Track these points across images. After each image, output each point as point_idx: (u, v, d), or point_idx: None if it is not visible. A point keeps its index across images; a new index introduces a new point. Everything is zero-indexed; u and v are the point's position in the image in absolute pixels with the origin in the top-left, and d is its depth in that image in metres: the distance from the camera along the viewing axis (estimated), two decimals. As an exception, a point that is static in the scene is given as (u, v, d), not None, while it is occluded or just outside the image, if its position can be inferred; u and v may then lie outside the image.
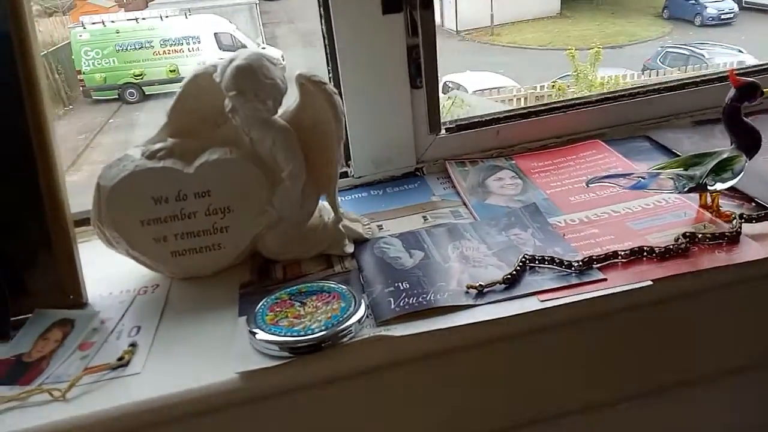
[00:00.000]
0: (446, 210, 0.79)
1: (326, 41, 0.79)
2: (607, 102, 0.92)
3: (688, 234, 0.64)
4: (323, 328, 0.54)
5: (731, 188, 0.73)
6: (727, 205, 0.71)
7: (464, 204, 0.79)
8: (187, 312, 0.64)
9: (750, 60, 6.70)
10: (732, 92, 0.66)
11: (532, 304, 0.58)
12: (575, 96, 0.93)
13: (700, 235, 0.64)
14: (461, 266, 0.65)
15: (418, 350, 0.56)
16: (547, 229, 0.70)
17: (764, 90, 0.66)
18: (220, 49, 5.32)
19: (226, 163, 0.64)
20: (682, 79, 0.94)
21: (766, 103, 0.96)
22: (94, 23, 4.95)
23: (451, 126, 0.89)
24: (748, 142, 0.67)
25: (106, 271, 0.69)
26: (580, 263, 0.61)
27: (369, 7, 0.76)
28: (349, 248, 0.70)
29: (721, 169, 0.65)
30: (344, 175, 0.87)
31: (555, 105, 0.92)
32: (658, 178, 0.65)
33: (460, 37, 10.14)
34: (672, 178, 0.66)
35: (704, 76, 0.95)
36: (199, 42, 5.26)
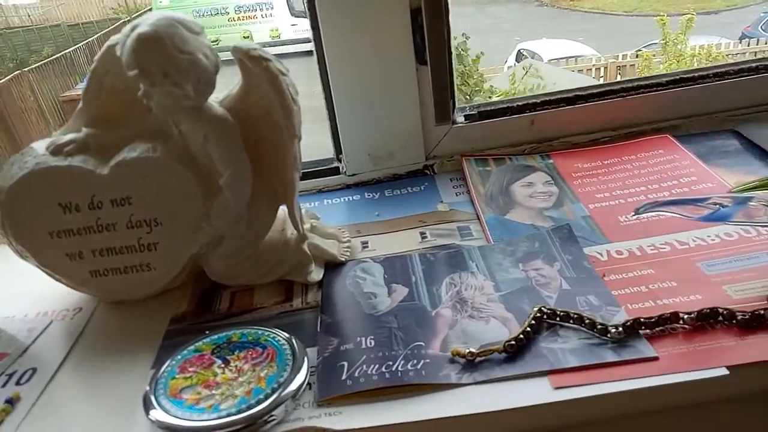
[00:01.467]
0: (453, 225, 0.61)
1: (307, 6, 0.61)
2: (682, 84, 0.70)
3: (789, 291, 0.43)
4: (235, 410, 0.39)
5: None
6: None
7: (477, 218, 0.61)
8: (99, 352, 0.50)
9: None
10: None
11: (540, 391, 0.40)
12: (652, 74, 0.71)
13: (808, 295, 0.43)
14: (453, 316, 0.48)
15: (366, 451, 0.39)
16: (581, 264, 0.51)
17: None
18: (291, 15, 5.34)
19: (146, 163, 0.49)
20: (791, 56, 0.70)
21: None
22: None
23: (471, 113, 0.70)
24: None
25: (25, 287, 0.57)
26: (621, 329, 0.42)
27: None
28: (316, 275, 0.54)
29: None
30: (335, 171, 0.70)
31: (611, 88, 0.71)
32: (747, 205, 0.45)
33: (538, 2, 9.62)
34: (767, 205, 0.46)
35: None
36: (272, 8, 5.31)
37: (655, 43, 5.73)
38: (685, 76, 0.71)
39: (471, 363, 0.42)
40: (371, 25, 0.61)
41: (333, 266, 0.56)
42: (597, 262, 0.52)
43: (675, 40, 5.44)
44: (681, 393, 0.39)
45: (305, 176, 0.70)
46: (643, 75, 5.34)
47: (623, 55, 5.86)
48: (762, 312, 0.42)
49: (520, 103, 0.71)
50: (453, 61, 0.66)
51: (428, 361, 0.43)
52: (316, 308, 0.51)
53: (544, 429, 0.40)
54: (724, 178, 0.60)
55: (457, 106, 0.70)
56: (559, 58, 6.12)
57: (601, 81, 5.53)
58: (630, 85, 0.70)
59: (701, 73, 0.70)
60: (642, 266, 0.50)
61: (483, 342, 0.44)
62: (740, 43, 6.37)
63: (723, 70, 0.70)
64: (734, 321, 0.42)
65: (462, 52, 5.41)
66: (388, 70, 0.64)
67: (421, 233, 0.60)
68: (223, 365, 0.43)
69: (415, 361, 0.43)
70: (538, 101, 0.71)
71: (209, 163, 0.49)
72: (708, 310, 0.43)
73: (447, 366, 0.42)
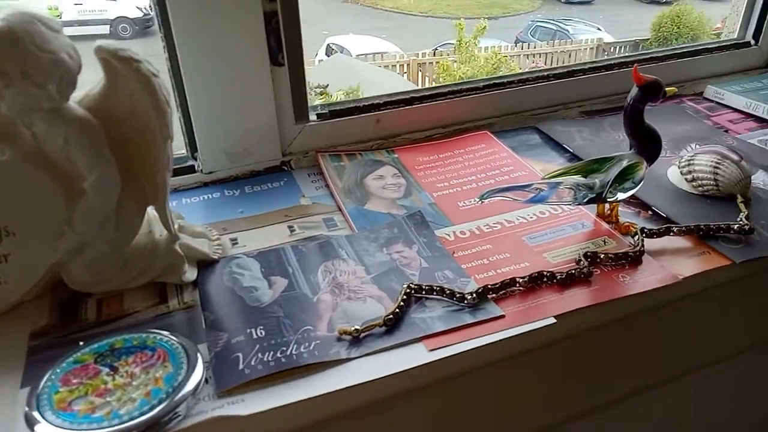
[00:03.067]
0: (318, 218, 0.65)
1: (156, 3, 0.60)
2: (495, 89, 0.83)
3: (590, 254, 0.56)
4: (136, 413, 0.39)
5: (627, 194, 0.67)
6: (624, 214, 0.64)
7: (339, 209, 0.66)
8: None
9: (608, 37, 7.22)
10: (634, 91, 0.58)
11: (419, 355, 0.46)
12: (461, 80, 0.83)
13: (602, 255, 0.56)
14: (333, 299, 0.52)
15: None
16: (434, 244, 0.59)
17: (666, 89, 0.58)
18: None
19: (-5, 169, 0.44)
20: (569, 66, 0.88)
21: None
22: None
23: (323, 112, 0.75)
24: (649, 148, 0.60)
25: None
26: (475, 295, 0.51)
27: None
28: (190, 275, 0.54)
29: (624, 177, 0.58)
30: (190, 170, 0.70)
31: (440, 91, 0.81)
32: (558, 189, 0.56)
33: (343, -1, 9.88)
34: (572, 188, 0.58)
35: (593, 63, 0.89)
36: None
37: (450, 43, 6.33)
38: (497, 81, 0.83)
39: (357, 339, 0.47)
40: (224, 27, 0.62)
41: (206, 265, 0.56)
42: (446, 242, 0.60)
43: (467, 43, 6.08)
44: (523, 341, 0.49)
45: (159, 176, 0.68)
46: (440, 74, 5.87)
47: (423, 54, 6.38)
48: (573, 272, 0.54)
49: (366, 104, 0.77)
50: (304, 62, 0.70)
51: (318, 342, 0.47)
52: (195, 307, 0.51)
53: (423, 386, 0.47)
54: (533, 166, 0.73)
55: (309, 105, 0.74)
56: (366, 54, 6.42)
57: (405, 76, 5.96)
58: (456, 89, 0.81)
59: (509, 80, 0.84)
60: (482, 243, 0.60)
61: (364, 319, 0.49)
62: (516, 45, 7.34)
63: (525, 77, 0.85)
64: (555, 280, 0.53)
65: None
66: (242, 71, 0.65)
67: (289, 227, 0.63)
68: (111, 372, 0.42)
69: (307, 344, 0.46)
70: (381, 102, 0.78)
71: (70, 166, 0.46)
72: (536, 274, 0.53)
73: (336, 344, 0.47)
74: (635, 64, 0.58)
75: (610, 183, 0.57)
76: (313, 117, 0.74)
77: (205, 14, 0.61)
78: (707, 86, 0.94)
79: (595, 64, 0.89)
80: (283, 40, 0.64)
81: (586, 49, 6.81)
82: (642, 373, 0.63)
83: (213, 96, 0.65)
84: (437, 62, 6.18)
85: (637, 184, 0.59)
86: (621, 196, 0.60)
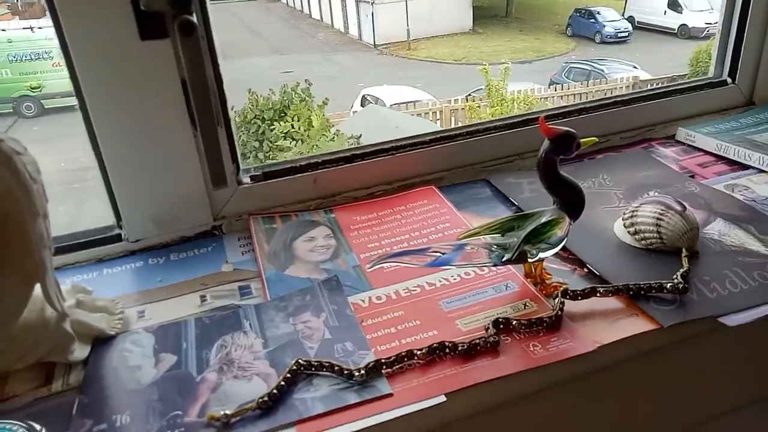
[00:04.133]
0: (234, 285, 0.63)
1: (70, 72, 0.61)
2: (443, 142, 0.80)
3: (501, 320, 0.52)
4: None
5: (564, 248, 0.62)
6: (557, 271, 0.60)
7: (259, 276, 0.64)
8: None
9: (643, 75, 7.14)
10: (546, 144, 0.55)
11: (287, 442, 0.43)
12: (479, 117, 0.81)
13: (514, 322, 0.51)
14: (218, 378, 0.49)
15: None
16: (344, 312, 0.56)
17: (581, 141, 0.55)
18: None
19: None
20: (525, 115, 0.84)
21: (614, 140, 0.89)
22: None
23: (256, 174, 0.74)
24: (569, 202, 0.56)
25: None
26: (363, 372, 0.47)
27: (120, 33, 0.60)
28: (79, 354, 0.52)
29: (538, 237, 0.54)
30: (117, 239, 0.69)
31: (383, 147, 0.79)
32: (465, 250, 0.53)
33: (378, 51, 10.20)
34: (485, 249, 0.54)
35: (549, 111, 0.86)
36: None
37: (481, 89, 6.39)
38: (444, 134, 0.81)
39: (226, 425, 0.44)
40: (142, 95, 0.63)
41: (103, 341, 0.55)
42: (359, 309, 0.57)
43: (497, 86, 6.13)
44: (411, 423, 0.44)
45: (83, 246, 0.68)
46: (471, 118, 5.92)
47: (455, 100, 6.46)
48: (477, 341, 0.49)
49: (303, 163, 0.76)
50: (230, 126, 0.70)
51: (182, 430, 0.44)
52: (77, 389, 0.49)
53: (291, 478, 0.43)
54: (472, 222, 0.70)
55: (241, 167, 0.73)
56: (400, 103, 6.55)
57: (438, 123, 6.03)
58: (399, 144, 0.79)
59: (456, 132, 0.81)
60: (395, 309, 0.57)
61: (244, 401, 0.46)
62: (549, 88, 7.33)
63: (474, 128, 0.82)
64: (457, 351, 0.49)
65: (306, 98, 5.56)
66: (163, 138, 0.66)
67: (201, 296, 0.61)
68: (-48, 467, 0.40)
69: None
70: (320, 161, 0.76)
71: (-58, 247, 0.46)
72: (437, 345, 0.49)
73: (202, 431, 0.44)
74: (540, 116, 0.55)
75: (520, 242, 0.53)
76: (246, 179, 0.73)
77: (120, 81, 0.62)
78: (678, 128, 0.88)
79: (551, 112, 0.86)
80: (192, 106, 0.63)
81: (621, 87, 6.75)
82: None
83: (134, 164, 0.66)
84: (468, 107, 6.24)
85: (555, 244, 0.55)
86: (543, 255, 0.55)
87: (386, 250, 0.66)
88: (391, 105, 6.46)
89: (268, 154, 5.03)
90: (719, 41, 0.94)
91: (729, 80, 0.94)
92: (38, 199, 0.47)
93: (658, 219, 0.61)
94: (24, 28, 4.90)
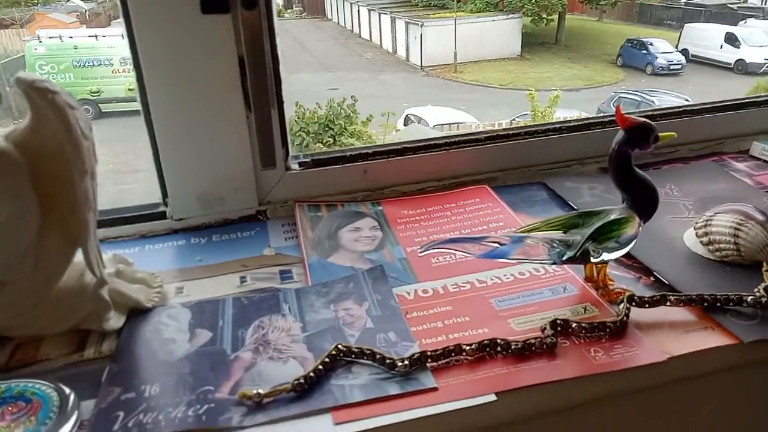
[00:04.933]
0: (275, 269, 0.61)
1: (129, 42, 0.61)
2: (498, 141, 0.77)
3: (559, 322, 0.47)
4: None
5: (629, 256, 0.57)
6: (621, 278, 0.55)
7: (302, 261, 0.61)
8: None
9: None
10: (620, 135, 0.51)
11: (322, 427, 0.40)
12: (462, 133, 0.77)
13: (574, 325, 0.47)
14: (252, 357, 0.47)
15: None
16: (388, 303, 0.53)
17: (660, 134, 0.50)
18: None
19: None
20: (587, 119, 0.80)
21: (683, 151, 0.84)
22: (51, 37, 4.83)
23: (305, 160, 0.72)
24: (641, 200, 0.51)
25: None
26: (407, 362, 0.44)
27: (182, 4, 0.59)
28: (114, 323, 0.51)
29: (605, 234, 0.50)
30: (161, 216, 0.68)
31: (436, 142, 0.76)
32: (524, 244, 0.49)
33: (425, 72, 10.25)
34: (546, 244, 0.50)
35: (611, 115, 0.81)
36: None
37: (526, 114, 6.33)
38: (500, 133, 0.78)
39: (258, 404, 0.41)
40: (197, 68, 0.62)
41: (139, 313, 0.53)
42: (404, 301, 0.54)
43: (543, 113, 6.06)
44: (456, 421, 0.41)
45: (128, 221, 0.67)
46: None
47: (498, 124, 6.41)
48: (532, 341, 0.45)
49: (353, 153, 0.74)
50: (283, 109, 0.68)
51: (212, 405, 0.41)
52: (103, 362, 0.47)
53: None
54: (526, 222, 0.66)
55: (291, 153, 0.71)
56: (443, 124, 6.54)
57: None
58: (452, 140, 0.76)
59: (514, 132, 0.78)
60: (442, 303, 0.53)
61: (278, 382, 0.43)
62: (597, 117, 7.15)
63: (533, 129, 0.78)
64: (510, 350, 0.45)
65: (352, 114, 5.60)
66: (216, 116, 0.64)
67: (241, 277, 0.59)
68: (-23, 421, 0.39)
69: (198, 406, 0.41)
70: (370, 152, 0.74)
71: (-14, 199, 0.45)
72: (488, 341, 0.45)
73: (232, 409, 0.41)
74: (617, 107, 0.51)
75: (585, 239, 0.49)
76: (294, 165, 0.72)
77: (178, 55, 0.61)
78: (753, 143, 0.82)
79: (610, 117, 0.81)
80: (248, 86, 0.62)
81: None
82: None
83: (185, 140, 0.65)
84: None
85: (626, 244, 0.51)
86: (607, 256, 0.51)
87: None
88: (434, 126, 6.45)
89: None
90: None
91: (810, 96, 0.87)
92: (88, 157, 0.46)
93: (735, 229, 0.56)
94: (89, 36, 5.14)
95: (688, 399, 0.49)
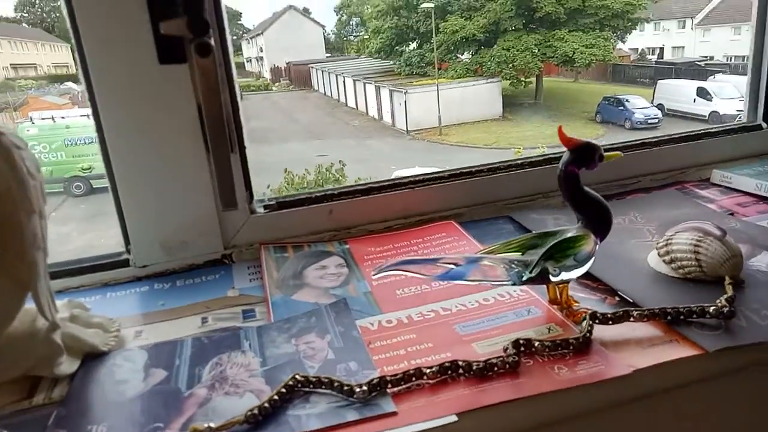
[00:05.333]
0: (237, 309, 0.59)
1: (88, 91, 0.62)
2: (462, 178, 0.78)
3: (522, 341, 0.46)
4: None
5: (593, 278, 0.57)
6: (586, 300, 0.55)
7: (265, 300, 0.60)
8: None
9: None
10: (566, 155, 0.52)
11: (273, 459, 0.38)
12: (426, 172, 0.79)
13: (537, 343, 0.46)
14: (208, 393, 0.45)
15: None
16: (351, 334, 0.52)
17: (605, 154, 0.52)
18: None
19: None
20: (547, 155, 0.82)
21: (645, 182, 0.85)
22: (43, 119, 4.96)
23: (270, 203, 0.72)
24: (594, 218, 0.52)
25: None
26: (366, 388, 0.42)
27: (140, 56, 0.61)
28: (66, 368, 0.49)
29: (562, 252, 0.50)
30: (125, 263, 0.67)
31: (401, 180, 0.77)
32: (480, 265, 0.49)
33: (411, 136, 10.50)
34: (504, 265, 0.50)
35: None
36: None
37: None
38: (464, 170, 0.79)
39: (209, 439, 0.40)
40: (156, 116, 0.63)
41: (94, 357, 0.51)
42: (367, 332, 0.52)
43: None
44: (416, 446, 0.39)
45: (90, 270, 0.66)
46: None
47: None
48: (494, 360, 0.44)
49: (318, 194, 0.74)
50: (245, 153, 0.69)
51: (161, 441, 0.39)
52: (51, 408, 0.45)
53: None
54: (493, 254, 0.66)
55: (255, 197, 0.72)
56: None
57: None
58: (418, 179, 0.77)
59: (477, 168, 0.79)
60: (406, 332, 0.52)
61: (233, 415, 0.42)
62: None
63: (495, 166, 0.80)
64: (471, 372, 0.44)
65: (341, 178, 5.67)
66: (175, 161, 0.65)
67: (203, 318, 0.58)
68: None
69: (145, 443, 0.39)
70: (336, 192, 0.75)
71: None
72: (449, 363, 0.44)
73: (181, 444, 0.39)
74: (560, 126, 0.52)
75: (541, 257, 0.48)
76: (259, 209, 0.72)
77: (137, 104, 0.62)
78: (713, 170, 0.84)
79: (577, 151, 0.83)
80: (205, 128, 0.63)
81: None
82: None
83: (146, 186, 0.65)
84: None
85: (582, 261, 0.50)
86: (566, 275, 0.51)
87: (401, 278, 0.62)
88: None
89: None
90: (750, 85, 0.91)
91: (764, 124, 0.90)
92: (35, 197, 0.45)
93: (696, 246, 0.56)
94: (81, 116, 5.25)
95: (656, 415, 0.47)
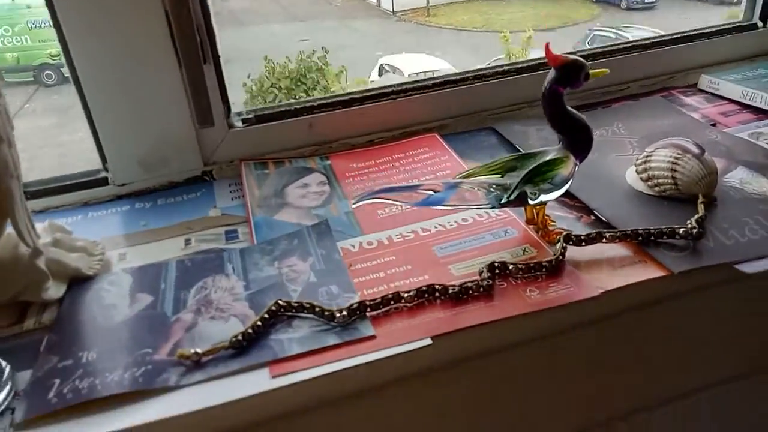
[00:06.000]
0: (220, 230, 0.60)
1: (49, 7, 0.58)
2: (447, 87, 0.76)
3: (497, 264, 0.48)
4: None
5: (571, 195, 0.58)
6: (563, 219, 0.56)
7: (247, 221, 0.61)
8: None
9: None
10: (551, 73, 0.50)
11: (258, 382, 0.40)
12: (410, 81, 0.76)
13: (511, 266, 0.48)
14: (194, 318, 0.47)
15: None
16: (332, 257, 0.53)
17: (591, 72, 0.50)
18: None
19: None
20: (534, 60, 0.79)
21: (633, 88, 0.83)
22: None
23: (248, 117, 0.70)
24: (575, 139, 0.51)
25: None
26: (346, 313, 0.44)
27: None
28: (54, 292, 0.50)
29: (540, 176, 0.50)
30: (104, 182, 0.67)
31: (384, 91, 0.74)
32: (459, 189, 0.49)
33: (397, 17, 10.00)
34: (483, 189, 0.50)
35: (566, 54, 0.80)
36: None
37: (501, 58, 6.25)
38: (449, 79, 0.76)
39: (197, 363, 0.42)
40: (123, 27, 0.59)
41: (80, 282, 0.52)
42: (348, 254, 0.54)
43: (517, 55, 5.99)
44: (393, 366, 0.42)
45: (69, 188, 0.65)
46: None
47: (474, 69, 6.30)
48: (469, 284, 0.46)
49: (297, 107, 0.72)
50: (220, 65, 0.66)
51: (150, 367, 0.42)
52: (42, 332, 0.47)
53: (266, 419, 0.40)
54: (474, 169, 0.66)
55: (233, 110, 0.70)
56: (418, 72, 6.43)
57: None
58: (400, 88, 0.75)
59: (462, 77, 0.76)
60: (386, 254, 0.53)
61: (219, 340, 0.44)
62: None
63: (481, 74, 0.77)
64: (447, 295, 0.46)
65: (324, 66, 5.47)
66: (147, 75, 0.62)
67: (186, 240, 0.59)
68: None
69: (135, 369, 0.41)
70: (315, 104, 0.73)
71: None
72: (426, 288, 0.46)
73: (170, 369, 0.41)
74: (546, 44, 0.50)
75: (519, 182, 0.49)
76: (238, 123, 0.70)
77: (100, 11, 0.58)
78: (701, 75, 0.82)
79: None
80: (175, 39, 0.60)
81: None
82: (550, 415, 0.53)
83: (118, 102, 0.62)
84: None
85: (560, 184, 0.51)
86: (545, 197, 0.51)
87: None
88: (409, 75, 6.35)
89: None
90: (751, -19, 0.87)
91: (760, 23, 0.87)
92: (1, 124, 0.44)
93: (673, 163, 0.56)
94: (42, -6, 4.88)
95: (623, 334, 0.50)
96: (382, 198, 0.48)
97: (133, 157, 0.66)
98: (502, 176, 0.52)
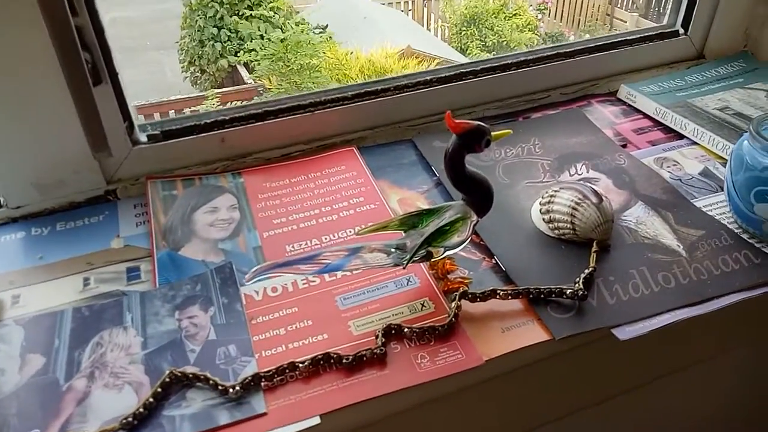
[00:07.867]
0: (122, 266, 0.58)
1: None
2: (366, 98, 0.74)
3: (393, 327, 0.49)
4: None
5: (476, 232, 0.59)
6: (466, 261, 0.57)
7: (151, 255, 0.59)
8: None
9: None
10: (453, 139, 0.50)
11: (147, 469, 0.41)
12: (325, 89, 0.73)
13: (406, 329, 0.49)
14: (86, 387, 0.47)
15: None
16: (234, 308, 0.53)
17: (491, 135, 0.50)
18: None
19: None
20: (454, 67, 0.78)
21: (554, 96, 0.83)
22: None
23: (154, 132, 0.67)
24: (477, 198, 0.52)
25: None
26: (239, 387, 0.45)
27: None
28: (-62, 353, 0.48)
29: (441, 237, 0.50)
30: (-5, 205, 0.63)
31: (300, 103, 0.72)
32: (360, 254, 0.49)
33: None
34: (383, 253, 0.51)
35: (483, 62, 0.79)
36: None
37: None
38: (369, 89, 0.74)
39: (84, 447, 0.42)
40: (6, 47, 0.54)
41: (-31, 334, 0.51)
42: (251, 303, 0.54)
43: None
44: (282, 445, 0.43)
45: (-44, 215, 0.61)
46: (444, 10, 5.64)
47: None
48: (364, 352, 0.47)
49: (208, 121, 0.69)
50: (118, 83, 0.62)
51: (34, 454, 0.42)
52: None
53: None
54: (388, 197, 0.66)
55: (136, 125, 0.66)
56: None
57: (410, 15, 5.74)
58: (318, 100, 0.72)
59: (383, 88, 0.74)
60: (290, 304, 0.54)
61: (109, 418, 0.44)
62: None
63: (402, 84, 0.75)
64: (342, 363, 0.47)
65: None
66: (36, 94, 0.57)
67: (85, 279, 0.57)
68: None
69: (19, 457, 0.41)
70: (227, 118, 0.69)
71: None
72: (321, 356, 0.47)
73: (57, 455, 0.42)
74: (447, 112, 0.49)
75: (419, 246, 0.49)
76: (142, 138, 0.66)
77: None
78: (621, 85, 0.83)
79: (488, 64, 0.79)
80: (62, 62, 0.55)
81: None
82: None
83: (5, 122, 0.58)
84: (443, -2, 5.89)
85: (464, 241, 0.52)
86: (448, 252, 0.53)
87: (292, 228, 0.62)
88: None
89: (226, 45, 4.73)
90: (676, -17, 0.86)
91: (681, 30, 0.87)
92: None
93: (573, 209, 0.58)
94: None
95: (505, 391, 0.54)
96: (283, 272, 0.48)
97: (26, 179, 0.62)
98: (405, 232, 0.52)
